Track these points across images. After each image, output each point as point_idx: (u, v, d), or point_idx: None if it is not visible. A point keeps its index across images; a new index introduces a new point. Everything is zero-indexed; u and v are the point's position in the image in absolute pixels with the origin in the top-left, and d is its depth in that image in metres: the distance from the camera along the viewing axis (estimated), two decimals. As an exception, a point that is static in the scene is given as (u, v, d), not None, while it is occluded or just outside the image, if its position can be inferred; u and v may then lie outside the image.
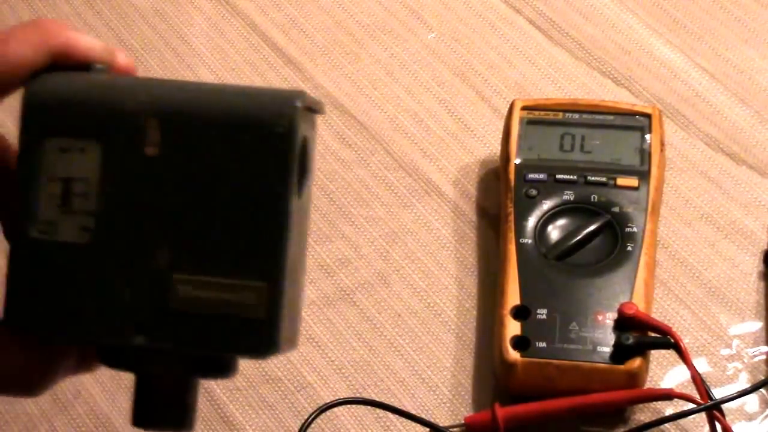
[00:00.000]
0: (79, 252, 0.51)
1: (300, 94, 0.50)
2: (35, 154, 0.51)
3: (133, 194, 0.51)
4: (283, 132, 0.50)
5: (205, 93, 0.52)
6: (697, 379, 0.72)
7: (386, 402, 0.75)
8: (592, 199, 0.78)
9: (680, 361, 0.72)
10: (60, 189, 0.51)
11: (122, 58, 0.54)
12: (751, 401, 0.74)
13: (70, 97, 0.51)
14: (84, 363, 0.55)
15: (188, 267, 0.50)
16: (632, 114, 0.82)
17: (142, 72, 0.58)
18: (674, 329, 0.73)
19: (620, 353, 0.72)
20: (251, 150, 0.50)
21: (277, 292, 0.50)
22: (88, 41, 0.53)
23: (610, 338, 0.72)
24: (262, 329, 0.50)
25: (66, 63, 0.52)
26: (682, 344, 0.72)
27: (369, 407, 0.75)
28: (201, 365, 0.52)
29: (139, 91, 0.51)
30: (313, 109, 0.52)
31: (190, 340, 0.50)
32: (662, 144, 0.81)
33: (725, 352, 0.77)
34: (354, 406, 0.75)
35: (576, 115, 0.83)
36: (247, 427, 0.75)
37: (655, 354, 0.75)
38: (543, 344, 0.73)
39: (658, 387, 0.75)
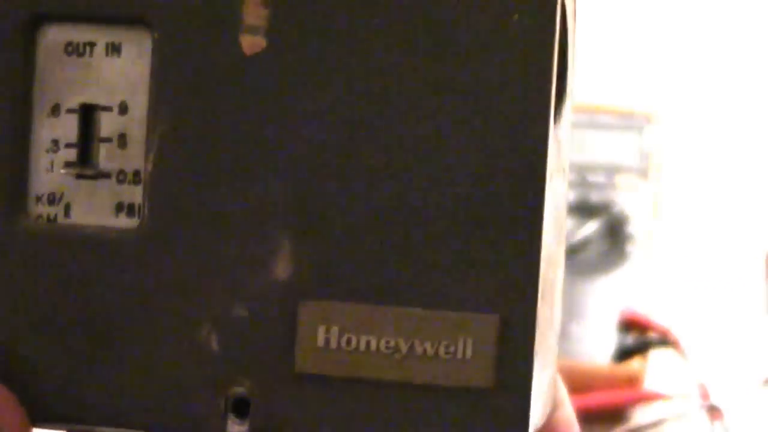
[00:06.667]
0: (116, 250, 0.27)
1: None
2: (17, 58, 0.28)
3: (218, 135, 0.27)
4: None
5: None
6: (697, 379, 0.72)
7: None
8: (591, 199, 0.78)
9: (680, 361, 0.72)
10: (72, 130, 0.28)
11: None
12: (752, 401, 0.74)
13: None
14: None
15: (329, 286, 0.27)
16: (632, 115, 0.82)
17: None
18: (674, 329, 0.73)
19: (620, 353, 0.72)
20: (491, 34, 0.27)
21: (522, 330, 0.27)
22: None
23: (610, 338, 0.73)
24: (491, 410, 0.27)
25: None
26: (681, 344, 0.72)
27: None
28: None
29: None
30: None
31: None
32: (661, 144, 0.81)
33: (725, 352, 0.77)
34: None
35: (576, 116, 0.83)
36: None
37: (655, 354, 0.75)
38: (543, 344, 0.73)
39: (657, 387, 0.75)
